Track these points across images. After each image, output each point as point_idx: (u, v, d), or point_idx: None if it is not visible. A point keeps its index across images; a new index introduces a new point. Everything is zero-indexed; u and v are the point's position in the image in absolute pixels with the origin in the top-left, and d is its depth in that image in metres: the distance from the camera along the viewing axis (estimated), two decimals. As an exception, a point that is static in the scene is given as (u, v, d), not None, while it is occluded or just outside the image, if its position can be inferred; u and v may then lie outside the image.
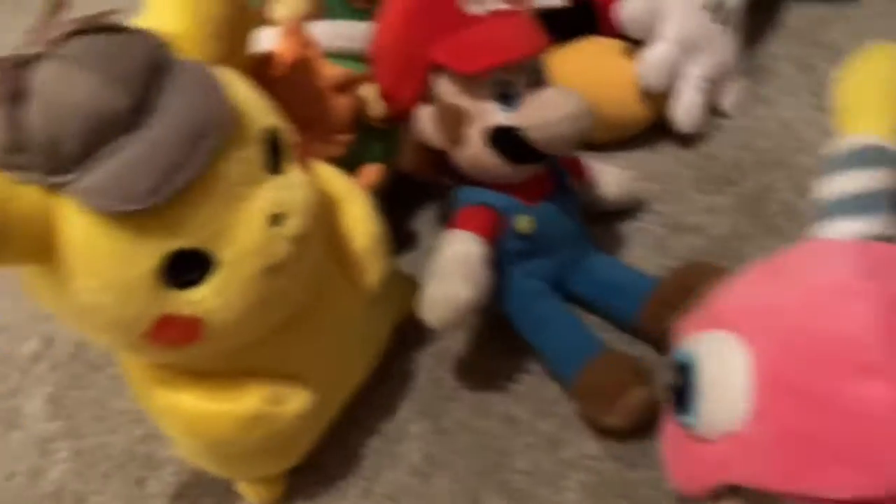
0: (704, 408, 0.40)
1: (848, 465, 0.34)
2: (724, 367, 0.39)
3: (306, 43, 0.64)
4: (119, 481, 0.67)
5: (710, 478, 0.40)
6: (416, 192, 0.79)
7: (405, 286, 0.69)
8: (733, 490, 0.39)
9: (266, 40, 0.65)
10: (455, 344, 0.68)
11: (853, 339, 0.35)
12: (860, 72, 0.49)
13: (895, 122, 0.46)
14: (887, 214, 0.43)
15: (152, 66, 0.44)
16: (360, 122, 0.67)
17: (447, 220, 0.65)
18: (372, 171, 0.66)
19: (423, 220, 0.78)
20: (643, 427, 0.58)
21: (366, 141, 0.69)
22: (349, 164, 0.65)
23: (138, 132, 0.42)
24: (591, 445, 0.60)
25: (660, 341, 0.59)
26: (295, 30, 0.64)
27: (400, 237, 0.76)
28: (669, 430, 0.46)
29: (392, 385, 0.67)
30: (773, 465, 0.37)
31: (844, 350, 0.36)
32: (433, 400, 0.65)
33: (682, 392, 0.41)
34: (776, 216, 0.68)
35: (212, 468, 0.60)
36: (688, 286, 0.56)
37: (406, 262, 0.75)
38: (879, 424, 0.34)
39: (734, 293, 0.43)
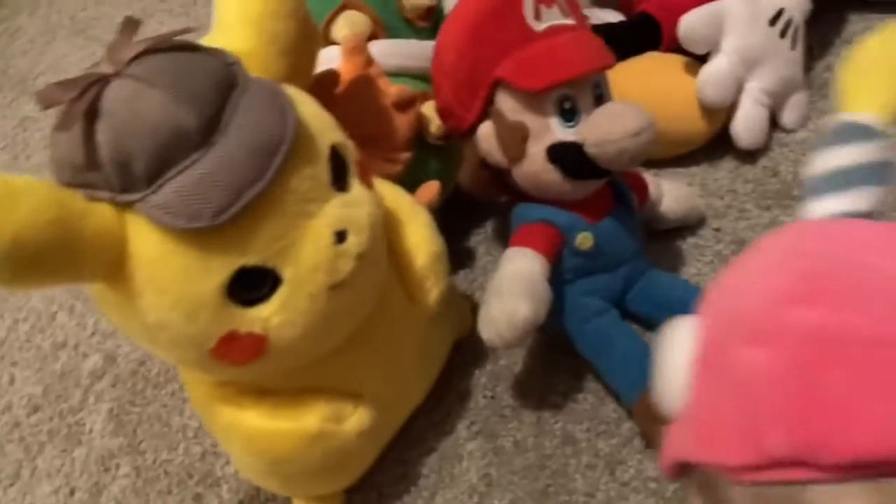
0: (659, 384, 0.41)
1: (734, 433, 0.34)
2: (674, 346, 0.40)
3: (367, 61, 0.65)
4: (177, 498, 0.68)
5: (669, 455, 0.40)
6: (473, 210, 0.79)
7: (462, 305, 0.69)
8: (687, 468, 0.40)
9: (328, 59, 0.66)
10: (512, 362, 0.68)
11: (753, 309, 0.35)
12: (862, 52, 0.46)
13: (889, 101, 0.44)
14: (873, 190, 0.42)
15: (221, 84, 0.45)
16: (419, 140, 0.68)
17: (503, 239, 0.65)
18: (430, 189, 0.66)
19: (480, 239, 0.78)
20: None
21: (424, 159, 0.69)
22: (408, 181, 0.65)
23: (208, 150, 0.43)
24: (650, 467, 0.59)
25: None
26: (356, 48, 0.64)
27: (456, 255, 0.76)
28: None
29: (449, 403, 0.67)
30: (689, 437, 0.38)
31: (743, 320, 0.35)
32: (491, 419, 0.65)
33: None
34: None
35: (271, 486, 0.61)
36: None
37: (462, 281, 0.75)
38: (758, 391, 0.33)
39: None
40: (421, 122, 0.67)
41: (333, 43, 0.69)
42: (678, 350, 0.39)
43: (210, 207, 0.42)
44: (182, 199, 0.42)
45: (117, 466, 0.72)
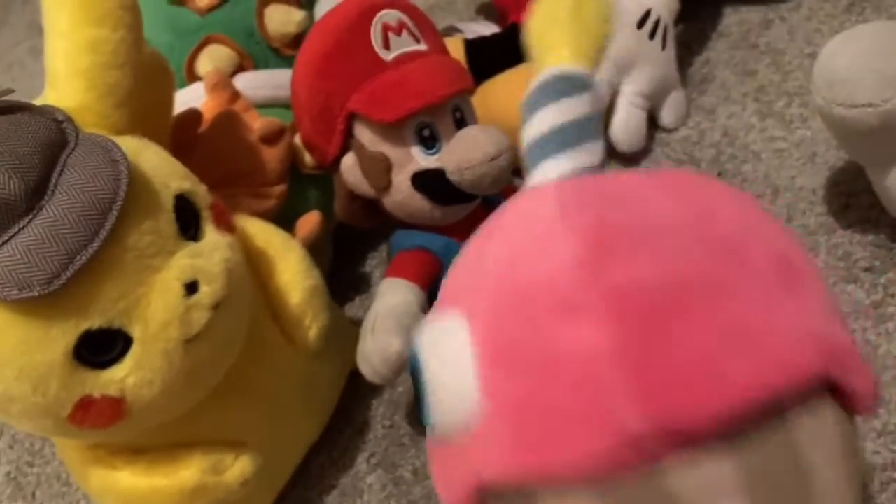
0: (435, 401, 0.33)
1: (574, 423, 0.28)
2: (444, 350, 0.33)
3: (232, 96, 0.64)
4: (80, 559, 0.66)
5: (461, 487, 0.33)
6: (366, 234, 0.78)
7: (355, 334, 0.68)
8: (496, 497, 0.32)
9: (196, 95, 0.65)
10: (409, 389, 0.67)
11: (552, 281, 0.30)
12: (540, 9, 0.45)
13: (582, 45, 0.42)
14: (590, 143, 0.40)
15: (48, 145, 0.43)
16: (295, 172, 0.67)
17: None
18: (311, 220, 0.65)
19: (375, 263, 0.77)
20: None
21: (303, 190, 0.68)
22: (288, 214, 0.64)
23: (35, 216, 0.41)
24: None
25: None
26: (219, 83, 0.63)
27: (352, 281, 0.75)
28: (429, 452, 0.38)
29: (348, 437, 0.65)
30: (508, 447, 0.30)
31: (545, 295, 0.30)
32: (389, 449, 0.64)
33: (417, 396, 0.35)
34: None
35: (166, 541, 0.59)
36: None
37: (358, 308, 0.74)
38: (595, 369, 0.28)
39: (455, 270, 0.38)
40: (295, 153, 0.66)
41: (199, 79, 0.68)
42: (452, 353, 0.32)
43: (41, 275, 0.40)
44: (10, 269, 0.40)
45: (17, 532, 0.70)
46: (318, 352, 0.59)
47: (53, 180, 0.42)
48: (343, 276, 0.75)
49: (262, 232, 0.59)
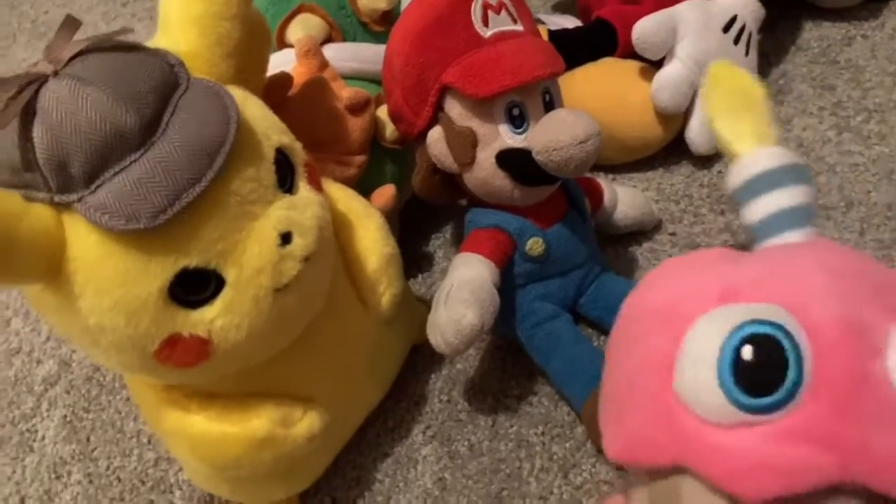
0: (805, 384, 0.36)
1: None
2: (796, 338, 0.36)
3: (321, 64, 0.65)
4: (130, 505, 0.67)
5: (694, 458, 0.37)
6: (431, 214, 0.79)
7: (418, 310, 0.69)
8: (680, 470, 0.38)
9: (283, 62, 0.66)
10: (468, 367, 0.67)
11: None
12: (718, 97, 0.50)
13: (767, 131, 0.48)
14: (811, 226, 0.45)
15: (162, 84, 0.44)
16: (375, 144, 0.68)
17: (461, 243, 0.64)
18: (386, 193, 0.66)
19: (438, 243, 0.78)
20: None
21: (380, 162, 0.69)
22: (364, 185, 0.65)
23: (146, 151, 0.42)
24: (604, 470, 0.59)
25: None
26: (310, 51, 0.64)
27: (415, 260, 0.76)
28: (644, 396, 0.42)
29: (405, 408, 0.66)
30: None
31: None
32: (446, 423, 0.64)
33: (761, 370, 0.36)
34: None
35: (221, 492, 0.60)
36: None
37: (420, 285, 0.75)
38: None
39: (741, 268, 0.42)
40: (376, 126, 0.67)
41: (288, 46, 0.69)
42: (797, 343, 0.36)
43: (148, 208, 0.41)
44: (120, 200, 0.41)
45: (69, 473, 0.71)
46: (388, 319, 0.60)
47: (166, 119, 0.44)
48: (407, 254, 0.75)
49: (343, 197, 0.60)
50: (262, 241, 0.46)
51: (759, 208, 0.46)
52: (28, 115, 0.42)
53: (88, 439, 0.73)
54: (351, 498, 0.62)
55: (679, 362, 0.38)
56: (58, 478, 0.71)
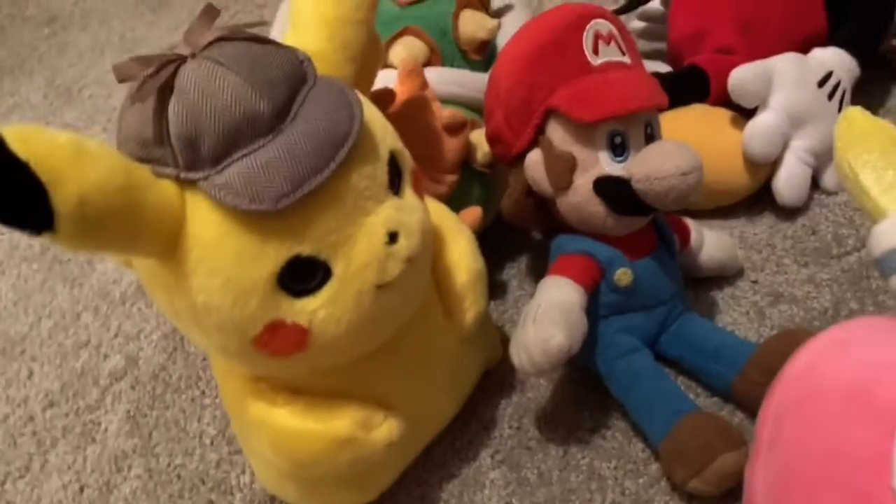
0: None
1: None
2: None
3: (423, 84, 0.66)
4: (189, 503, 0.67)
5: None
6: (508, 244, 0.79)
7: (494, 335, 0.69)
8: None
9: (384, 81, 0.67)
10: (540, 396, 0.67)
11: None
12: (864, 143, 0.47)
13: None
14: None
15: (293, 77, 0.46)
16: (465, 166, 0.69)
17: (537, 274, 0.64)
18: (473, 214, 0.67)
19: (513, 273, 0.78)
20: (730, 493, 0.56)
21: (468, 184, 0.70)
22: (451, 205, 0.66)
23: (275, 137, 0.44)
24: (678, 510, 0.58)
25: (754, 407, 0.57)
26: (413, 71, 0.66)
27: (489, 288, 0.76)
28: None
29: (474, 431, 0.66)
30: None
31: None
32: (515, 450, 0.64)
33: None
34: (880, 293, 0.66)
35: (288, 494, 0.59)
36: (788, 353, 0.54)
37: (493, 313, 0.75)
38: None
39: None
40: (469, 148, 0.68)
41: (390, 66, 0.71)
42: None
43: (273, 191, 0.42)
44: (246, 181, 0.42)
45: (129, 467, 0.71)
46: (469, 335, 0.60)
47: (295, 109, 0.45)
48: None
49: (437, 210, 0.60)
50: (372, 236, 0.46)
51: None
52: (165, 92, 0.43)
53: (151, 435, 0.73)
54: (415, 515, 0.62)
55: None
56: (118, 471, 0.71)
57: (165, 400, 0.76)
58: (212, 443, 0.71)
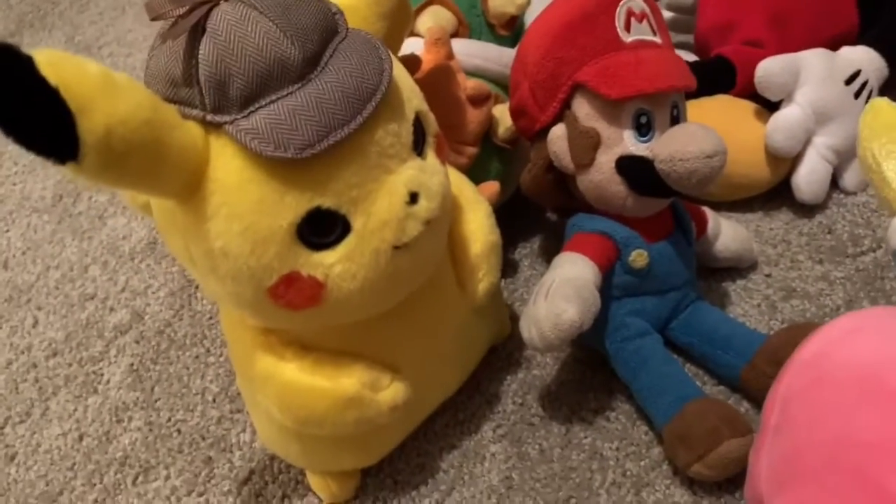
0: None
1: None
2: None
3: (449, 54, 0.66)
4: (188, 458, 0.67)
5: None
6: (522, 223, 0.79)
7: (503, 311, 0.69)
8: None
9: (411, 47, 0.67)
10: (546, 374, 0.67)
11: None
12: (882, 139, 0.47)
13: None
14: None
15: (325, 27, 0.46)
16: (486, 140, 0.68)
17: (549, 254, 0.64)
18: (491, 188, 0.66)
19: (526, 252, 0.78)
20: (731, 480, 0.56)
21: (488, 158, 0.70)
22: (470, 177, 0.66)
23: (304, 85, 0.43)
24: (678, 493, 0.57)
25: (761, 397, 0.57)
26: (440, 40, 0.66)
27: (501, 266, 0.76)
28: None
29: (477, 404, 0.66)
30: None
31: None
32: (518, 425, 0.64)
33: None
34: (894, 294, 0.66)
35: (290, 453, 0.59)
36: (798, 345, 0.54)
37: (504, 291, 0.74)
38: None
39: None
40: (491, 122, 0.68)
41: (417, 35, 0.70)
42: None
43: (298, 139, 0.42)
44: (272, 127, 0.42)
45: (130, 419, 0.71)
46: (480, 307, 0.60)
47: (325, 58, 0.45)
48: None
49: (456, 180, 0.60)
50: (393, 195, 0.46)
51: None
52: (197, 32, 0.43)
53: (153, 389, 0.73)
54: (414, 483, 0.61)
55: None
56: (118, 422, 0.71)
57: (169, 356, 0.76)
58: (214, 400, 0.71)
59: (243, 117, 0.43)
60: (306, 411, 0.52)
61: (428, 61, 0.65)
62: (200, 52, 0.43)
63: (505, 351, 0.69)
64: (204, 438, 0.68)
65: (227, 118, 0.43)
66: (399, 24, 0.57)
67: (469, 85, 0.65)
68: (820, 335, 0.44)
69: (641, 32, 0.58)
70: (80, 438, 0.70)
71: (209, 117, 0.43)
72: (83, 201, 0.97)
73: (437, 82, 0.64)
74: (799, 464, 0.41)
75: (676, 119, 0.59)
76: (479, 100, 0.65)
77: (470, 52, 0.70)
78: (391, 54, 0.50)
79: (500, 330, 0.67)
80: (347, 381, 0.52)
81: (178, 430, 0.69)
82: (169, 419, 0.70)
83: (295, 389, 0.52)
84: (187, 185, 0.44)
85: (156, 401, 0.72)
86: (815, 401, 0.41)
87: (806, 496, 0.40)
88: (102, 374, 0.76)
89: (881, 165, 0.47)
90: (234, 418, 0.69)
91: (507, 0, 0.72)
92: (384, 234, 0.46)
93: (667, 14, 0.94)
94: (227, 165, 0.43)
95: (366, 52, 0.46)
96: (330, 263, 0.46)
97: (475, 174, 0.67)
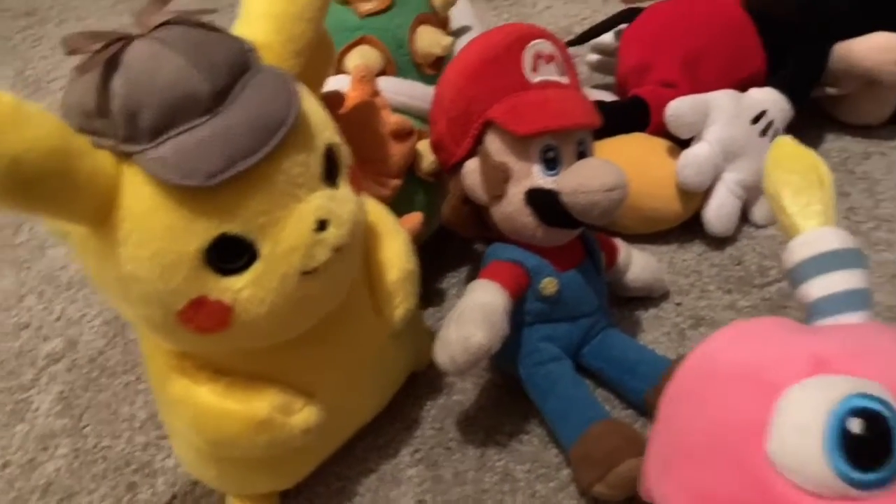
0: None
1: None
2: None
3: (374, 91, 0.69)
4: (111, 483, 0.67)
5: None
6: (449, 254, 0.82)
7: (424, 338, 0.71)
8: None
9: (337, 85, 0.70)
10: (464, 400, 0.69)
11: None
12: (787, 166, 0.52)
13: (830, 211, 0.50)
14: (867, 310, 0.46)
15: (236, 63, 0.48)
16: (410, 173, 0.71)
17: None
18: (413, 219, 0.69)
19: (453, 282, 0.80)
20: (634, 500, 0.58)
21: (412, 191, 0.72)
22: (394, 210, 0.68)
23: (213, 117, 0.46)
24: (584, 514, 0.59)
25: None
26: (365, 77, 0.68)
27: (428, 295, 0.78)
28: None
29: (396, 429, 0.67)
30: None
31: None
32: (435, 449, 0.65)
33: (869, 445, 0.37)
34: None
35: (207, 475, 0.60)
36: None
37: (429, 318, 0.77)
38: None
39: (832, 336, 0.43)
40: (415, 156, 0.70)
41: (345, 73, 0.73)
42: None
43: (204, 169, 0.44)
44: (180, 156, 0.44)
45: (56, 447, 0.71)
46: (396, 333, 0.62)
47: (235, 92, 0.47)
48: (421, 289, 0.78)
49: (376, 211, 0.62)
50: (301, 221, 0.48)
51: (825, 286, 0.47)
52: (112, 66, 0.45)
53: (81, 417, 0.74)
54: (331, 506, 0.63)
55: (775, 429, 0.38)
56: (44, 449, 0.71)
57: (100, 383, 0.77)
58: (141, 427, 0.72)
59: (152, 147, 0.45)
60: (219, 434, 0.54)
61: (353, 98, 0.68)
62: (113, 84, 0.45)
63: (426, 377, 0.71)
64: (129, 464, 0.69)
65: (137, 148, 0.45)
66: (319, 61, 0.60)
67: (392, 120, 0.68)
68: (707, 342, 0.46)
69: (549, 73, 0.61)
70: (5, 466, 0.71)
71: (121, 147, 0.45)
72: (24, 232, 0.98)
73: (361, 118, 0.67)
74: (683, 445, 0.44)
75: (583, 154, 0.62)
76: (403, 135, 0.68)
77: (397, 89, 0.73)
78: (306, 89, 0.53)
79: (420, 357, 0.69)
80: (259, 404, 0.53)
81: (104, 457, 0.70)
82: (95, 445, 0.71)
83: (208, 412, 0.53)
84: (98, 212, 0.45)
85: (83, 427, 0.73)
86: (700, 394, 0.44)
87: (688, 473, 0.43)
88: (32, 402, 0.76)
89: (780, 194, 0.51)
90: (160, 444, 0.70)
91: (433, 41, 0.76)
92: (292, 260, 0.48)
93: (592, 57, 0.99)
94: (137, 193, 0.45)
95: (275, 87, 0.48)
96: (238, 288, 0.48)
97: (401, 206, 0.70)
